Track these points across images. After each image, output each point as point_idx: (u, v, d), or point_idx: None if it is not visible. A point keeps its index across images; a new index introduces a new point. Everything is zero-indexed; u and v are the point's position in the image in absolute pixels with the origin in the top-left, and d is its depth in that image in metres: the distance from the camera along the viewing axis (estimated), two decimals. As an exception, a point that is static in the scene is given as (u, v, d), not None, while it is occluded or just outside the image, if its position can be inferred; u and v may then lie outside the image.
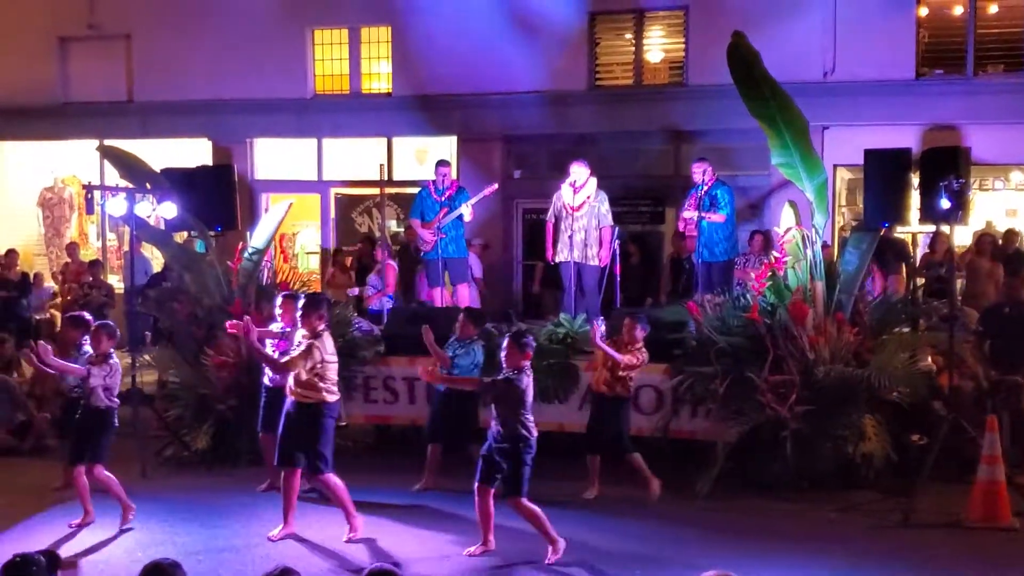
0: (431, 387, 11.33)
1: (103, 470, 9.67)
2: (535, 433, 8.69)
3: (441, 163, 14.33)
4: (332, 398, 9.32)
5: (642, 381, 11.10)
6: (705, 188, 13.33)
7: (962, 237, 14.99)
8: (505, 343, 8.76)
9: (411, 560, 8.71)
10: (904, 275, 13.47)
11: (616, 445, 10.57)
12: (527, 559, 8.68)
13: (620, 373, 10.41)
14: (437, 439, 11.06)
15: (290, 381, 9.30)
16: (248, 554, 8.95)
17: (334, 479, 9.32)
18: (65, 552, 8.73)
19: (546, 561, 8.60)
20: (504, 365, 8.67)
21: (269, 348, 10.08)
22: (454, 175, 16.14)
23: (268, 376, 10.40)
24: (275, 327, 10.31)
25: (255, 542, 9.26)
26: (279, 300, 10.25)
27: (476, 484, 8.77)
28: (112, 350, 9.76)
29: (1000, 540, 9.35)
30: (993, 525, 9.57)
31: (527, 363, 8.69)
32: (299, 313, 9.30)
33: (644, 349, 10.49)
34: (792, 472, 10.57)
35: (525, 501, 8.66)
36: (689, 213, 13.48)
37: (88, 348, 9.90)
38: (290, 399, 9.30)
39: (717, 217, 13.29)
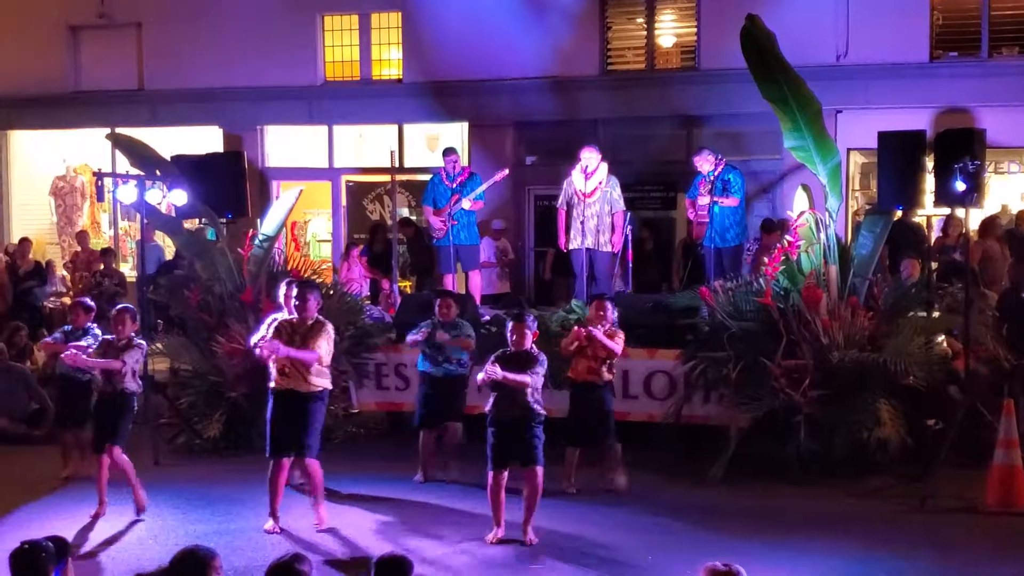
0: None
1: (122, 453, 9.62)
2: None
3: (448, 151, 14.30)
4: None
5: (654, 367, 11.04)
6: (716, 173, 13.26)
7: (976, 221, 14.87)
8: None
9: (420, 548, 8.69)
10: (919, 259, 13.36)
11: (607, 434, 10.17)
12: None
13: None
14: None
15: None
16: (260, 541, 8.92)
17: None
18: (77, 540, 8.75)
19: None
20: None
21: None
22: (465, 162, 16.09)
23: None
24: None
25: (267, 529, 9.26)
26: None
27: None
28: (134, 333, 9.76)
29: (1017, 525, 9.29)
30: (1010, 510, 9.51)
31: None
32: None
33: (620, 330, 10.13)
34: (806, 457, 10.53)
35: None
36: (704, 200, 13.36)
37: (97, 331, 9.96)
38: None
39: (730, 201, 13.21)
